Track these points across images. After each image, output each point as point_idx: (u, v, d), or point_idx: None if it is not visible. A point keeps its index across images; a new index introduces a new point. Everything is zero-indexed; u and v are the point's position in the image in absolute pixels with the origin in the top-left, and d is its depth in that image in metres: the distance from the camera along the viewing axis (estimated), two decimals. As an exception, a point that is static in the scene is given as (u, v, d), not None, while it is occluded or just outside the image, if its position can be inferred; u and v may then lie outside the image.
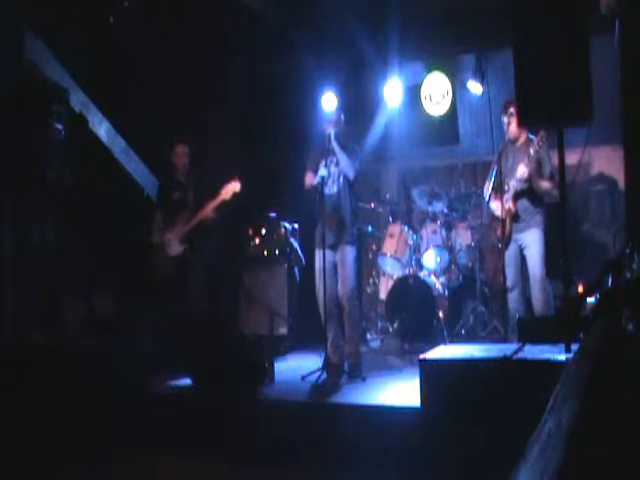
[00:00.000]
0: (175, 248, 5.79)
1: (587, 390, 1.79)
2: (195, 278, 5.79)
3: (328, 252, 5.01)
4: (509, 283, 5.21)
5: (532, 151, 4.92)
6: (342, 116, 5.33)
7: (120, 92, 6.07)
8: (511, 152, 5.29)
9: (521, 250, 5.20)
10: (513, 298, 5.21)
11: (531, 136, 5.19)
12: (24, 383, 4.53)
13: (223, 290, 6.64)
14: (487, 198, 5.35)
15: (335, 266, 5.09)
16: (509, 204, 5.16)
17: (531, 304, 5.19)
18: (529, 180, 5.08)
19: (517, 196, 5.15)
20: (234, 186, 5.65)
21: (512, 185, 5.14)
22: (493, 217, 5.51)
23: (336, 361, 5.00)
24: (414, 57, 7.26)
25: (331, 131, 5.08)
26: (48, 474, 3.95)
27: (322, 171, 5.06)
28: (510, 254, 5.21)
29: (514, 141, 5.29)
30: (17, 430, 4.32)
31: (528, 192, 5.15)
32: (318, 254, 5.09)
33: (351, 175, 5.09)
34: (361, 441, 3.85)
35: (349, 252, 5.07)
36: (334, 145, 5.06)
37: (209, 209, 5.69)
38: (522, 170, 5.02)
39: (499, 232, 5.27)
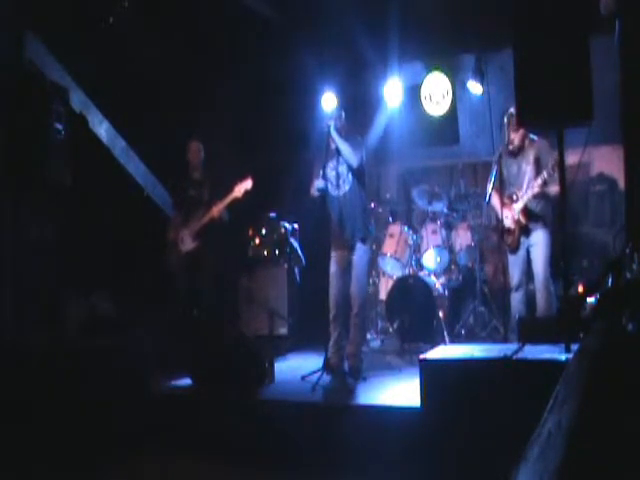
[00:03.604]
0: (188, 244, 5.85)
1: (587, 390, 1.78)
2: (204, 276, 5.84)
3: (343, 252, 5.01)
4: (515, 283, 5.22)
5: (546, 174, 4.91)
6: (343, 113, 5.30)
7: (120, 92, 6.07)
8: (514, 158, 5.27)
9: (528, 250, 5.20)
10: (517, 298, 5.22)
11: (532, 136, 5.18)
12: (24, 383, 4.52)
13: (225, 290, 6.65)
14: (487, 198, 5.34)
15: (348, 266, 5.07)
16: (519, 216, 5.16)
17: (534, 304, 5.20)
18: (541, 194, 5.08)
19: (527, 210, 5.14)
20: (246, 184, 5.69)
21: (522, 197, 5.13)
22: (497, 221, 5.51)
23: (336, 361, 4.99)
24: (414, 57, 7.26)
25: (331, 123, 5.03)
26: (48, 474, 3.95)
27: (320, 183, 5.05)
28: (518, 255, 5.22)
29: (517, 149, 5.24)
30: (17, 430, 4.32)
31: (540, 196, 5.15)
32: (334, 255, 5.08)
33: (354, 163, 5.00)
34: (361, 441, 3.85)
35: (363, 251, 5.06)
36: (334, 136, 4.99)
37: (221, 206, 5.73)
38: (536, 190, 5.01)
39: (509, 241, 5.25)
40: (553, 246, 5.10)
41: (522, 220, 5.15)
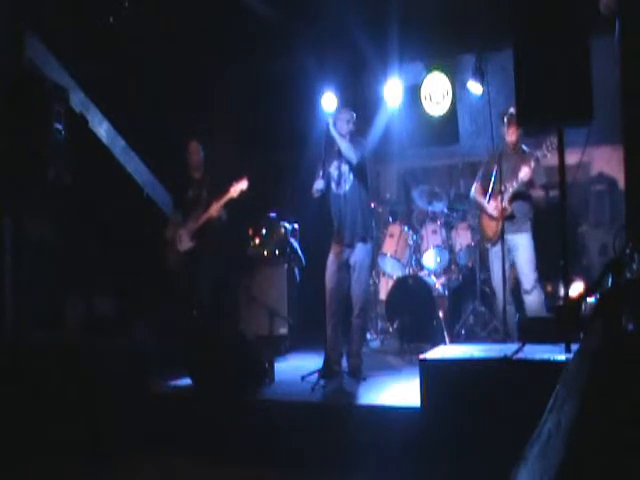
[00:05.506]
0: (185, 244, 5.87)
1: (587, 390, 1.78)
2: (202, 276, 5.85)
3: (342, 249, 5.00)
4: (495, 283, 5.25)
5: (539, 155, 4.94)
6: (354, 115, 5.25)
7: (120, 92, 6.07)
8: (509, 157, 5.30)
9: (511, 254, 5.24)
10: (502, 298, 5.22)
11: (524, 147, 5.26)
12: (24, 383, 4.53)
13: (224, 290, 6.65)
14: (476, 197, 5.47)
15: (348, 265, 5.06)
16: (505, 204, 5.18)
17: (523, 305, 5.24)
18: (529, 183, 5.11)
19: (513, 198, 5.17)
20: (242, 184, 5.70)
21: (510, 186, 5.17)
22: (480, 213, 5.60)
23: (336, 361, 5.00)
24: (414, 57, 7.27)
25: (330, 121, 5.00)
26: (48, 473, 3.95)
27: (319, 184, 5.05)
28: (496, 252, 5.21)
29: (512, 147, 5.30)
30: (17, 430, 4.32)
31: (524, 196, 5.20)
32: (332, 251, 5.07)
33: (354, 160, 4.96)
34: (361, 441, 3.85)
35: (365, 253, 5.04)
36: (334, 133, 4.97)
37: (217, 207, 5.74)
38: (525, 171, 5.04)
39: (490, 232, 5.32)
40: (537, 249, 5.17)
41: (508, 208, 5.17)
